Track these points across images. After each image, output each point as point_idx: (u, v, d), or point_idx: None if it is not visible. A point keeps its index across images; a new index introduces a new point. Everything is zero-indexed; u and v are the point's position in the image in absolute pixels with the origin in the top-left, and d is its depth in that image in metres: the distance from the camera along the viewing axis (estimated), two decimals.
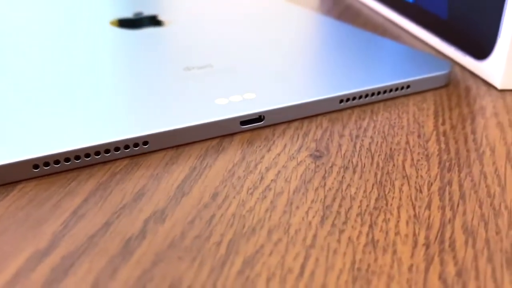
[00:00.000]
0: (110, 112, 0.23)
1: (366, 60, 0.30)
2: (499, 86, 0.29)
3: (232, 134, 0.24)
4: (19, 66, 0.28)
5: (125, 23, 0.36)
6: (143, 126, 0.22)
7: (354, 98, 0.26)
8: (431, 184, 0.20)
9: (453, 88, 0.29)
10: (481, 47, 0.30)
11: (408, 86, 0.28)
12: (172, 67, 0.28)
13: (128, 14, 0.38)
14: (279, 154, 0.22)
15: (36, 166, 0.20)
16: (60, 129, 0.21)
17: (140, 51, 0.31)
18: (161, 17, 0.38)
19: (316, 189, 0.20)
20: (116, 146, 0.21)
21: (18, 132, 0.21)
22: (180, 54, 0.30)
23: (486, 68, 0.30)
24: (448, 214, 0.18)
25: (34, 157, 0.20)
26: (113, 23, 0.36)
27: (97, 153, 0.21)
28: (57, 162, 0.20)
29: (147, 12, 0.39)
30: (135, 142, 0.22)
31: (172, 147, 0.22)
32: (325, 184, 0.20)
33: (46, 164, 0.20)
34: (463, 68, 0.32)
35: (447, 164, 0.21)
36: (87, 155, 0.21)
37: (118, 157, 0.21)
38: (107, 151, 0.21)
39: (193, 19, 0.38)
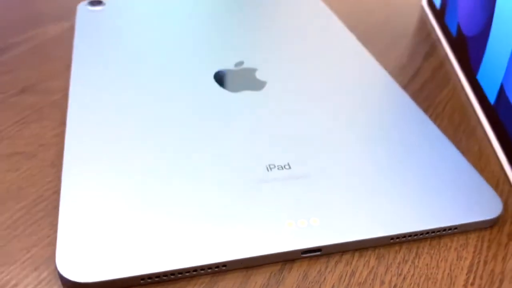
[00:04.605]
0: (220, 233, 0.29)
1: (423, 190, 0.32)
2: None
3: (293, 260, 0.29)
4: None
5: (223, 80, 0.41)
6: (225, 251, 0.28)
7: (404, 237, 0.31)
8: None
9: (496, 232, 0.32)
10: None
11: (455, 228, 0.31)
12: (256, 163, 0.33)
13: (231, 63, 0.43)
14: None
15: (142, 278, 0.27)
16: (161, 249, 0.28)
17: (230, 132, 0.35)
18: (259, 73, 0.42)
19: None
20: (201, 268, 0.28)
21: (136, 248, 0.28)
22: (267, 141, 0.35)
23: None
24: None
25: (139, 274, 0.27)
26: (214, 77, 0.41)
27: (187, 271, 0.27)
28: (157, 276, 0.27)
29: (248, 62, 0.43)
30: (216, 266, 0.28)
31: (244, 268, 0.29)
32: None
33: (149, 277, 0.27)
34: None
35: None
36: (180, 272, 0.27)
37: (202, 275, 0.28)
38: (194, 270, 0.28)
39: (289, 85, 0.41)
